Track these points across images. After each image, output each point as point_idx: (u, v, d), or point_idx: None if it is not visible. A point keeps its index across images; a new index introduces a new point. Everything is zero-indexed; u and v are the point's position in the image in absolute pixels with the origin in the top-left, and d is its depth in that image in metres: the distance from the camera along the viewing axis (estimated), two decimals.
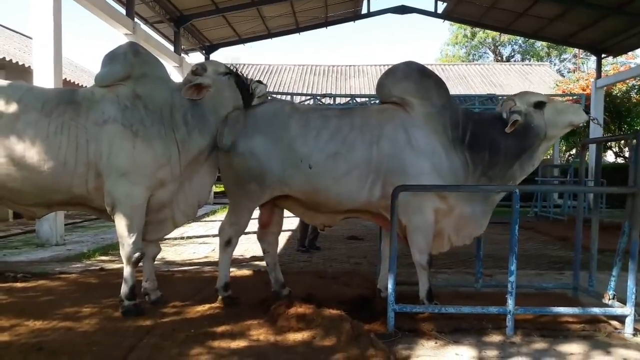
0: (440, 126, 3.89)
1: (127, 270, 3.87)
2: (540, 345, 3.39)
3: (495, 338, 3.49)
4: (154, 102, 3.88)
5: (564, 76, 28.75)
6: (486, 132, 3.91)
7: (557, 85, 21.77)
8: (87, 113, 3.77)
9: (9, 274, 5.15)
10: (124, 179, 3.74)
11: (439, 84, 4.08)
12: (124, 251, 3.87)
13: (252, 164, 3.93)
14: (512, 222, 3.58)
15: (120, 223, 3.81)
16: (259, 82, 4.28)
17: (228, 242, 4.14)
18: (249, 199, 4.05)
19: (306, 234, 7.31)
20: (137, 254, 3.85)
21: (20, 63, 9.84)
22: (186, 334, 3.37)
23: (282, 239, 8.50)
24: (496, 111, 4.12)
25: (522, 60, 36.59)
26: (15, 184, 3.70)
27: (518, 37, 32.60)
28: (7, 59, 9.55)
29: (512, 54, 38.71)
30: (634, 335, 3.55)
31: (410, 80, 4.00)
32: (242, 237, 8.66)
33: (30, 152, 3.63)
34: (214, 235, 8.84)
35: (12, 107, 3.67)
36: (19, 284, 4.82)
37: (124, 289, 3.86)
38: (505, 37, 35.04)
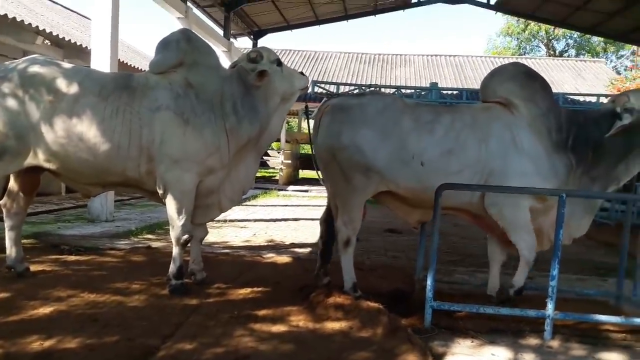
0: (544, 129, 3.84)
1: (175, 251, 4.05)
2: (578, 351, 3.36)
3: (533, 341, 3.49)
4: (205, 91, 3.99)
5: (620, 74, 27.57)
6: (590, 133, 3.83)
7: (612, 83, 20.94)
8: (142, 99, 3.92)
9: (64, 247, 5.45)
10: (175, 165, 3.89)
11: (544, 87, 4.03)
12: (173, 232, 4.04)
13: (357, 158, 3.81)
14: (557, 226, 3.54)
15: (171, 206, 3.98)
16: (302, 73, 4.38)
17: (347, 242, 4.00)
18: (357, 194, 3.90)
19: None
20: (185, 236, 4.03)
21: (78, 43, 10.22)
22: (230, 315, 3.52)
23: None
24: (604, 108, 4.02)
25: (577, 55, 35.29)
26: (74, 164, 3.91)
27: (573, 31, 31.40)
28: (67, 39, 9.93)
29: (566, 48, 37.38)
30: None
31: (517, 82, 3.98)
32: (281, 224, 8.91)
33: (87, 134, 3.83)
34: (255, 220, 9.13)
35: (73, 91, 3.87)
36: (72, 257, 5.11)
37: (172, 268, 4.04)
38: (559, 31, 33.82)
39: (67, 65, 4.11)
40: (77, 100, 3.84)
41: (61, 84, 3.86)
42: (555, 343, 3.46)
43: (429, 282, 3.63)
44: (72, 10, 15.98)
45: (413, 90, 13.09)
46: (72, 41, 10.09)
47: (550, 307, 3.52)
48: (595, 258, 6.57)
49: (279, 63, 4.17)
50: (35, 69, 3.90)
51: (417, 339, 3.25)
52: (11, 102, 3.80)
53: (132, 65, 12.47)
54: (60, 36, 9.78)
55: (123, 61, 11.59)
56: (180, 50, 4.05)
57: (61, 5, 15.48)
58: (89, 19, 16.75)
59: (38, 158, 3.92)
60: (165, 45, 4.12)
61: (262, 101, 4.12)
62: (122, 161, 3.90)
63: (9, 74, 3.87)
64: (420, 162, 3.79)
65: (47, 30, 9.40)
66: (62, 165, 3.94)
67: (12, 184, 4.17)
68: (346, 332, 3.31)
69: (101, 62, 7.50)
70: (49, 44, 9.87)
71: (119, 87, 3.94)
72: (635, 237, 4.23)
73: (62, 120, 3.81)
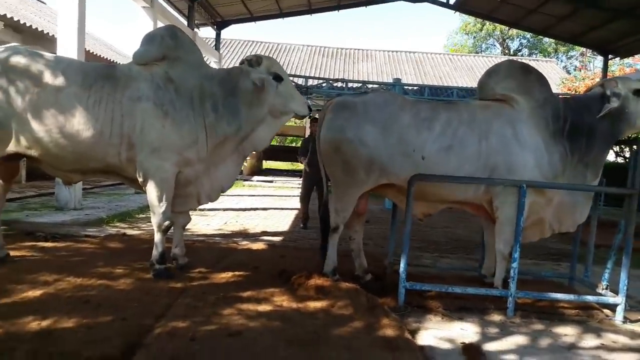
0: (542, 120, 4.06)
1: (157, 237, 4.16)
2: (537, 326, 3.72)
3: (497, 318, 3.82)
4: (185, 87, 4.11)
5: (570, 73, 28.87)
6: (583, 118, 4.06)
7: (562, 82, 21.93)
8: (124, 89, 4.01)
9: (39, 233, 5.44)
10: (154, 153, 4.00)
11: (540, 79, 4.26)
12: (155, 219, 4.15)
13: (361, 151, 3.98)
14: (518, 214, 3.87)
15: (152, 193, 4.09)
16: (307, 104, 4.48)
17: (335, 229, 4.23)
18: (356, 186, 4.10)
19: (308, 215, 7.66)
20: (167, 222, 4.15)
21: (39, 29, 9.96)
22: (216, 296, 3.68)
23: (290, 217, 8.82)
24: (592, 92, 4.27)
25: (530, 54, 36.65)
26: (57, 150, 3.97)
27: (527, 32, 32.61)
28: (28, 24, 9.67)
29: (520, 47, 38.70)
30: (624, 322, 3.88)
31: (513, 78, 4.20)
32: (251, 213, 9.05)
33: (70, 122, 3.90)
34: (224, 209, 9.23)
35: (56, 80, 3.93)
36: (49, 244, 5.12)
37: (155, 253, 4.16)
38: (513, 31, 34.95)
39: (48, 54, 4.14)
40: (61, 89, 3.90)
41: (44, 73, 3.91)
42: (517, 319, 3.81)
43: (402, 264, 3.90)
44: None
45: (377, 85, 13.41)
46: (34, 27, 9.83)
47: (512, 286, 3.86)
48: (549, 245, 7.04)
49: (277, 78, 4.25)
50: (17, 58, 3.92)
51: (393, 315, 3.52)
52: None
53: (99, 55, 12.28)
54: (22, 21, 9.52)
55: (91, 51, 11.39)
56: (164, 45, 4.15)
57: None
58: (44, 3, 16.31)
59: (20, 145, 3.96)
60: (150, 38, 4.23)
61: (246, 106, 4.20)
62: (103, 148, 3.99)
63: None
64: (421, 156, 3.98)
65: (8, 16, 9.13)
66: (45, 152, 3.99)
67: None
68: (328, 310, 3.54)
69: (68, 52, 7.40)
70: (2, 27, 9.55)
71: (102, 77, 4.02)
72: (586, 225, 4.62)
73: (45, 109, 3.87)
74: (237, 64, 4.32)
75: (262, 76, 4.15)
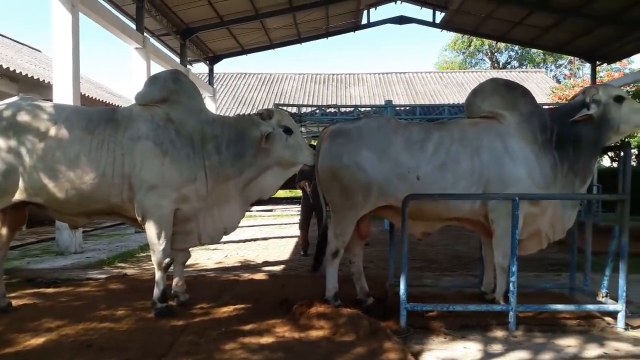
0: (529, 133, 4.15)
1: (158, 275, 4.19)
2: (540, 339, 3.72)
3: (499, 333, 3.82)
4: (185, 128, 4.20)
5: (560, 82, 29.17)
6: (568, 126, 4.15)
7: (553, 91, 22.18)
8: (125, 130, 4.12)
9: (40, 280, 5.46)
10: (152, 191, 4.06)
11: (525, 93, 4.37)
12: (155, 257, 4.19)
13: (359, 176, 4.09)
14: (512, 228, 3.90)
15: (151, 231, 4.14)
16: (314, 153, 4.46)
17: (335, 254, 4.30)
18: (354, 210, 4.20)
19: (308, 242, 7.67)
20: (167, 260, 4.18)
21: (34, 77, 10.14)
22: (218, 332, 3.69)
23: (290, 245, 8.83)
24: (575, 100, 4.36)
25: (519, 66, 37.08)
26: (62, 194, 4.04)
27: (514, 45, 33.01)
28: (23, 73, 9.86)
29: (509, 60, 39.20)
30: (625, 329, 3.88)
31: (498, 95, 4.31)
32: (252, 244, 9.06)
33: (75, 165, 3.99)
34: (225, 242, 9.21)
35: (59, 128, 4.04)
36: (50, 290, 5.13)
37: (156, 292, 4.18)
38: (501, 44, 35.47)
39: (49, 104, 4.26)
40: (64, 135, 4.01)
41: (48, 123, 4.03)
42: (519, 333, 3.82)
43: (402, 285, 3.92)
44: (22, 44, 15.75)
45: (369, 109, 13.57)
46: (29, 75, 10.02)
47: (512, 301, 3.87)
48: (548, 256, 7.04)
49: (287, 131, 4.33)
50: (22, 112, 4.05)
51: (396, 339, 3.52)
52: (0, 146, 3.95)
53: (95, 98, 12.50)
54: (17, 71, 9.70)
55: (87, 95, 11.60)
56: (166, 88, 4.27)
57: (11, 39, 15.24)
58: (39, 51, 16.62)
59: (26, 193, 4.03)
60: (153, 80, 4.39)
61: (251, 153, 4.28)
62: (106, 189, 4.06)
63: None
64: (416, 176, 4.07)
65: (4, 66, 9.32)
66: (50, 198, 4.05)
67: None
68: (330, 338, 3.55)
69: (64, 97, 7.53)
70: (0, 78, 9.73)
71: (104, 120, 4.14)
72: (582, 232, 4.65)
73: (50, 156, 3.97)
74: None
75: (269, 129, 4.23)
